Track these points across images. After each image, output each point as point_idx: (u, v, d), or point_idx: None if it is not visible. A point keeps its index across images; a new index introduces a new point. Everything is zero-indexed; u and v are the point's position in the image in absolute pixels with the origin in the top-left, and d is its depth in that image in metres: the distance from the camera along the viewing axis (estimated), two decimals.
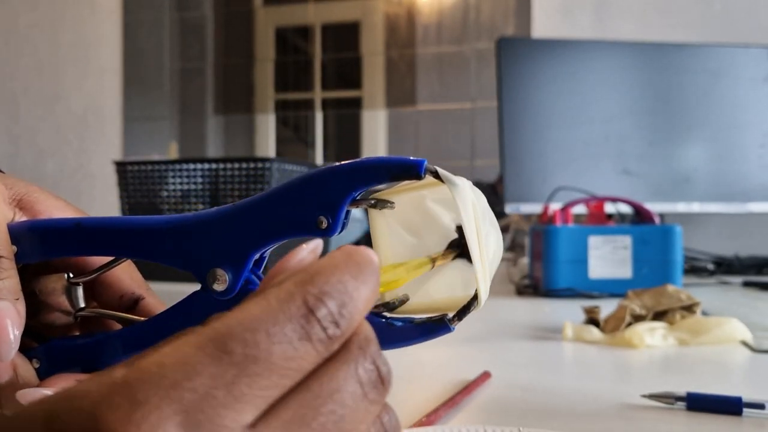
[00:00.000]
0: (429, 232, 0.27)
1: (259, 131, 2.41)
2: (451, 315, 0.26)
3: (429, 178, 0.25)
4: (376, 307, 0.27)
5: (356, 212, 1.53)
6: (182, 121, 2.42)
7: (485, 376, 0.51)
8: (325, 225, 0.25)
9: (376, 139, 2.30)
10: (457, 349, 0.66)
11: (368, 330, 0.18)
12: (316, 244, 0.19)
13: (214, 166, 1.18)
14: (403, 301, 0.27)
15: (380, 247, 0.28)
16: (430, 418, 0.41)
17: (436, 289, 0.28)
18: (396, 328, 0.26)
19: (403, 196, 0.27)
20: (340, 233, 0.26)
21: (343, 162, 0.26)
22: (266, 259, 0.29)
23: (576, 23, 1.90)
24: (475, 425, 0.38)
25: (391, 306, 0.27)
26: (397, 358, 0.64)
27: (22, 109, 2.43)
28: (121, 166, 1.23)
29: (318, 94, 2.39)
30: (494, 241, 0.26)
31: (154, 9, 2.40)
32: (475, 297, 0.26)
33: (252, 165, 1.15)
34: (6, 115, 2.44)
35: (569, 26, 1.90)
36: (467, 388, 0.47)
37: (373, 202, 0.27)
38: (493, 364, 0.57)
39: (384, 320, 0.26)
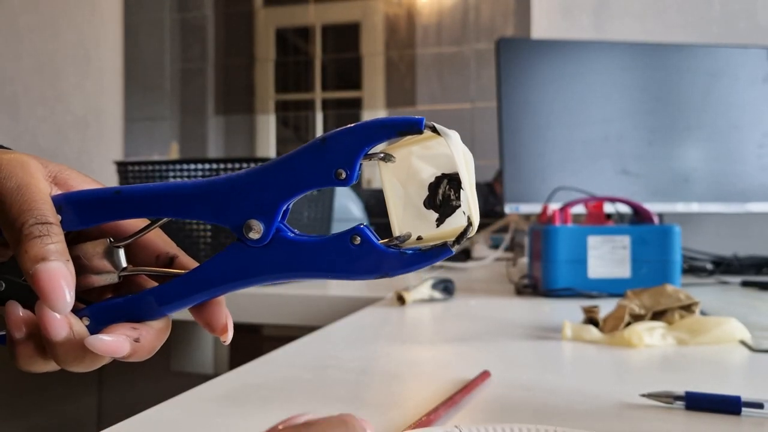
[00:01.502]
0: (411, 183, 0.32)
1: (260, 132, 2.41)
2: (451, 241, 0.30)
3: (427, 132, 0.30)
4: (389, 240, 0.31)
5: (356, 212, 1.54)
6: (183, 122, 2.42)
7: (485, 375, 0.51)
8: (343, 176, 0.30)
9: None
10: (457, 349, 0.67)
11: None
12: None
13: (214, 166, 1.18)
14: (408, 236, 0.31)
15: (388, 195, 0.32)
16: (429, 417, 0.41)
17: (435, 225, 0.32)
18: (407, 255, 0.31)
19: (401, 150, 0.32)
20: (355, 182, 0.31)
21: (357, 123, 0.30)
22: (289, 210, 0.32)
23: (575, 24, 1.90)
24: (476, 425, 0.38)
25: (402, 239, 0.31)
26: (398, 358, 0.64)
27: (22, 110, 2.43)
28: (122, 167, 1.24)
29: (318, 95, 2.39)
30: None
31: (154, 10, 2.40)
32: (470, 224, 0.30)
33: (252, 165, 1.16)
34: (7, 116, 2.44)
35: (569, 27, 1.90)
36: (467, 388, 0.48)
37: (382, 155, 0.31)
38: (493, 363, 0.57)
39: (398, 250, 0.31)
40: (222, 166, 1.17)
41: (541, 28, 1.95)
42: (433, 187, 0.32)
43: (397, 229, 0.32)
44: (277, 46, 2.40)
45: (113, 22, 2.37)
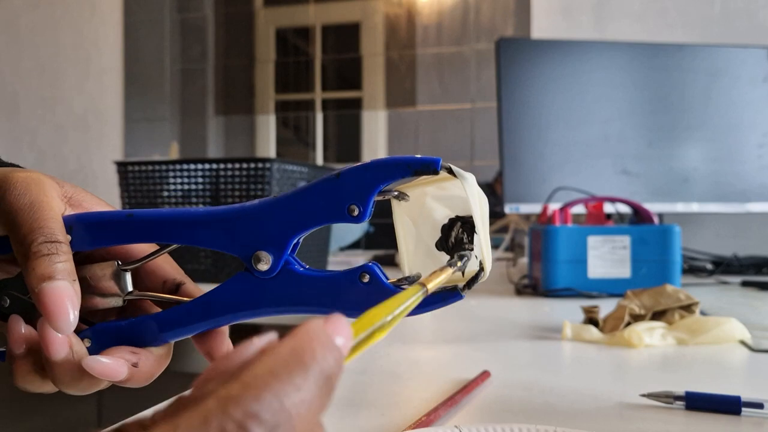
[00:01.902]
0: (424, 223, 0.32)
1: (260, 132, 2.41)
2: (461, 285, 0.30)
3: (443, 173, 0.29)
4: (398, 280, 0.30)
5: None
6: (183, 122, 2.42)
7: (485, 375, 0.51)
8: (356, 212, 0.30)
9: (376, 140, 2.31)
10: (457, 349, 0.67)
11: None
12: (269, 340, 0.16)
13: (214, 166, 1.18)
14: (418, 277, 0.31)
15: (399, 233, 0.32)
16: (429, 418, 0.41)
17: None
18: None
19: (415, 190, 0.32)
20: (368, 219, 0.30)
21: (373, 159, 0.30)
22: (300, 243, 0.32)
23: (575, 23, 1.90)
24: (476, 425, 0.38)
25: (411, 279, 0.31)
26: (398, 358, 0.64)
27: (22, 110, 2.43)
28: (122, 167, 1.24)
29: (318, 95, 2.39)
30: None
31: (154, 10, 2.40)
32: (481, 269, 0.30)
33: (252, 165, 1.16)
34: (7, 116, 2.45)
35: (569, 26, 1.90)
36: (467, 388, 0.48)
37: (396, 193, 0.31)
38: (493, 363, 0.57)
39: None
40: (222, 166, 1.17)
41: (541, 28, 1.96)
42: (446, 228, 0.31)
43: (407, 269, 0.31)
44: (277, 46, 2.41)
45: (113, 23, 2.37)
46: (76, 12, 2.39)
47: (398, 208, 0.32)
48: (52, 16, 2.41)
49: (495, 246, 1.58)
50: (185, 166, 1.19)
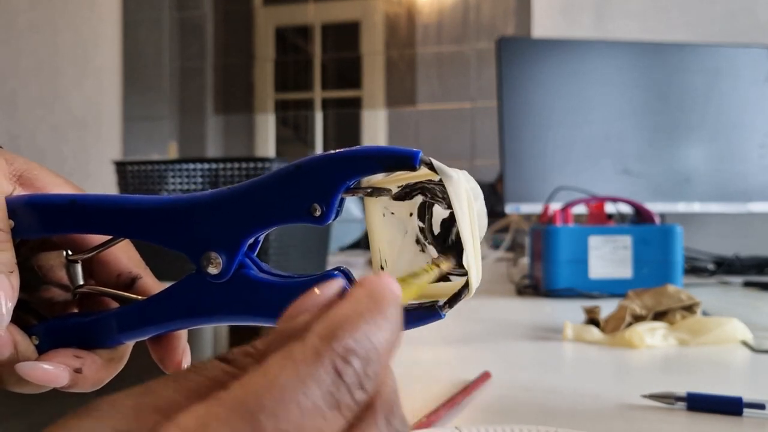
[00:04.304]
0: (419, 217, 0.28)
1: (259, 131, 2.41)
2: (442, 302, 0.26)
3: (424, 170, 0.25)
4: None
5: (357, 212, 1.53)
6: (182, 121, 2.42)
7: (485, 376, 0.51)
8: (318, 213, 0.25)
9: (376, 139, 2.31)
10: (457, 349, 0.66)
11: (391, 390, 0.18)
12: (338, 285, 0.19)
13: (213, 165, 1.18)
14: None
15: (375, 234, 0.28)
16: (430, 419, 0.41)
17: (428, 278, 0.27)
18: None
19: (396, 185, 0.27)
20: (334, 220, 0.26)
21: (337, 150, 0.25)
22: (260, 242, 0.28)
23: (576, 23, 1.90)
24: (477, 426, 0.38)
25: None
26: (398, 358, 0.64)
27: (21, 109, 2.43)
28: (120, 166, 1.23)
29: (318, 94, 2.39)
30: (482, 218, 0.27)
31: (153, 8, 2.40)
32: (466, 285, 0.26)
33: (252, 165, 1.15)
34: (5, 115, 2.44)
35: (569, 26, 1.90)
36: (467, 388, 0.47)
37: (369, 190, 0.26)
38: (494, 364, 0.57)
39: None
40: (221, 165, 1.17)
41: (542, 27, 1.95)
42: (447, 222, 0.27)
43: None
44: (277, 44, 2.40)
45: (112, 21, 2.37)
46: (74, 11, 2.39)
47: (374, 206, 0.27)
48: (51, 14, 2.40)
49: (496, 246, 1.58)
50: (184, 166, 1.19)
